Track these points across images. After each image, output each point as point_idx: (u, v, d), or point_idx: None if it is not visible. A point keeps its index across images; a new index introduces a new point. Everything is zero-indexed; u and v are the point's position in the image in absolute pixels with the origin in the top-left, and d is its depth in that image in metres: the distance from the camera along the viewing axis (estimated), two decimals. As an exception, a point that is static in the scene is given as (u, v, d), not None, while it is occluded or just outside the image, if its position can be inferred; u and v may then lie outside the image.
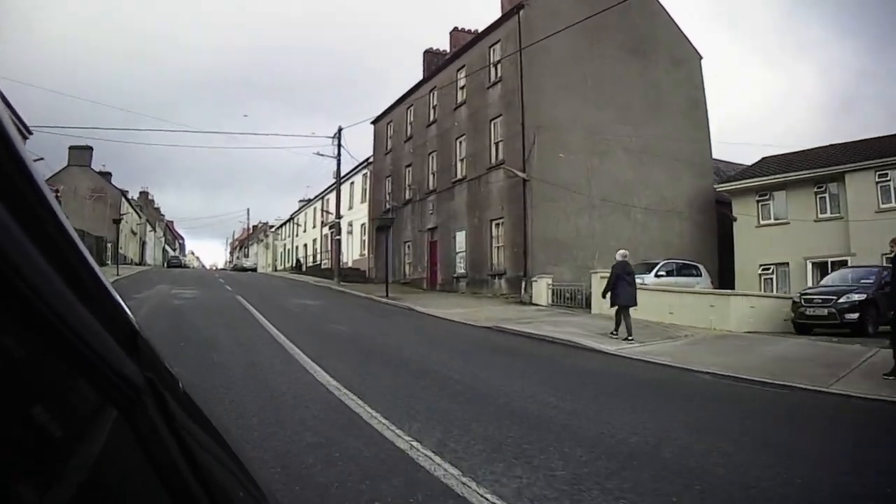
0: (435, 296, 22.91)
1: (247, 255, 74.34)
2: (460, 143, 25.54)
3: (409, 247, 28.95)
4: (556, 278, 20.93)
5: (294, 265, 51.40)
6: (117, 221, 32.47)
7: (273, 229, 66.58)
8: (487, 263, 23.21)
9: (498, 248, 23.10)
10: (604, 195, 22.93)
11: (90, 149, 47.70)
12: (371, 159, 34.05)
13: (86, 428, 0.48)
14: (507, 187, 22.44)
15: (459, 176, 25.22)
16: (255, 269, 59.77)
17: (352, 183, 37.59)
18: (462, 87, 25.84)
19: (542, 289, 20.72)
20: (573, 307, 20.14)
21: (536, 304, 20.36)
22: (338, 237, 29.05)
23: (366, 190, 35.27)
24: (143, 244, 63.33)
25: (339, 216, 29.43)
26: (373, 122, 34.16)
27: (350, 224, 37.01)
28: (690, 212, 25.20)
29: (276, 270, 61.43)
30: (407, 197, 29.30)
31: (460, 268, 24.63)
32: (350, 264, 35.08)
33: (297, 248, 53.47)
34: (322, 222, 44.17)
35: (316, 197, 46.75)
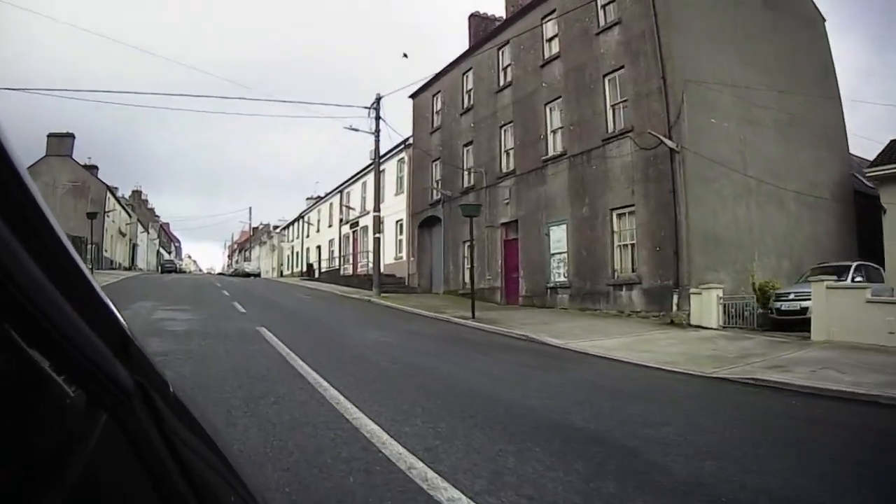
0: (531, 315, 15.47)
1: (248, 259, 66.32)
2: (552, 109, 18.18)
3: (470, 247, 21.50)
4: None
5: (305, 270, 43.69)
6: (92, 216, 24.57)
7: (278, 230, 58.61)
8: (607, 269, 15.84)
9: (622, 247, 15.76)
10: (758, 176, 15.88)
11: (72, 136, 39.68)
12: (410, 140, 26.59)
13: (76, 431, 0.47)
14: (641, 163, 15.13)
15: (555, 152, 17.84)
16: (258, 275, 51.86)
17: (382, 171, 30.01)
18: (552, 38, 18.53)
19: (709, 305, 13.48)
20: (745, 328, 13.33)
21: (702, 326, 13.20)
22: (378, 235, 21.54)
23: (401, 178, 27.77)
24: (133, 247, 55.12)
25: (378, 207, 21.89)
26: (412, 96, 26.67)
27: (381, 220, 29.43)
28: (833, 201, 18.28)
29: (281, 276, 53.62)
30: (467, 184, 21.87)
31: (559, 275, 17.23)
32: (382, 269, 27.52)
33: (307, 250, 45.71)
34: (341, 220, 36.54)
35: (333, 191, 39.05)
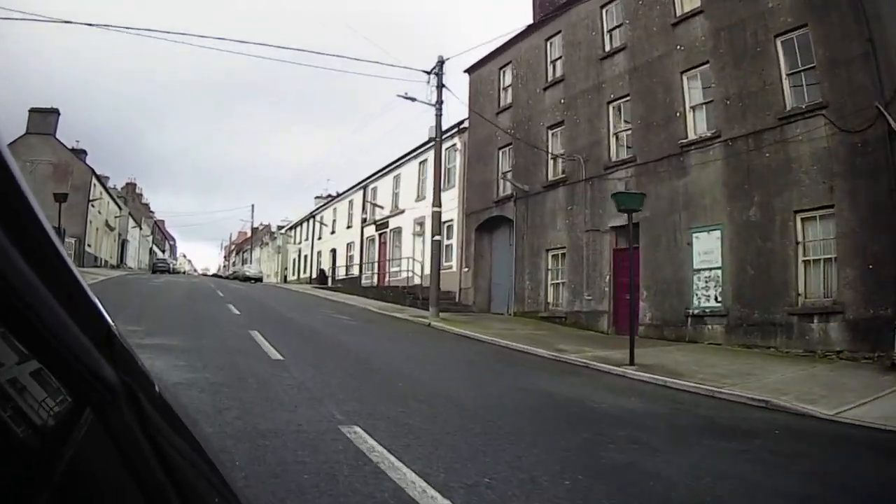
0: (690, 355, 11.04)
1: (246, 262, 61.65)
2: (692, 78, 13.92)
3: (557, 259, 17.17)
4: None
5: (316, 276, 39.22)
6: (61, 198, 19.68)
7: (283, 230, 54.00)
8: (786, 292, 11.48)
9: (812, 262, 11.46)
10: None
11: (56, 112, 35.12)
12: (465, 124, 22.29)
13: (60, 428, 0.47)
14: (844, 150, 10.85)
15: (699, 134, 13.55)
16: (260, 279, 47.32)
17: (423, 162, 25.71)
18: (686, -11, 14.33)
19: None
20: None
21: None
22: (437, 237, 17.11)
23: (450, 170, 23.44)
24: (122, 243, 50.40)
25: (438, 202, 17.47)
26: (469, 70, 22.38)
27: (420, 223, 25.11)
28: None
29: (285, 281, 49.10)
30: (553, 175, 17.58)
31: (707, 298, 12.86)
32: (421, 281, 23.21)
33: (318, 254, 41.17)
34: (364, 220, 32.14)
35: (354, 186, 34.55)
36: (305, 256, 44.57)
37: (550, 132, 17.81)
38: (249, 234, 65.89)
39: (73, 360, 0.46)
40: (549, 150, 17.64)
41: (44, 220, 0.42)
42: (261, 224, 66.12)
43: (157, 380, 0.59)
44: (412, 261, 23.39)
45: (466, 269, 20.75)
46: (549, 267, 17.25)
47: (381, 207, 29.27)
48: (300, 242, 46.84)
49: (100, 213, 40.93)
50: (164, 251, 74.31)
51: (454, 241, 22.09)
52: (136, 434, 0.52)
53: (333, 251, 37.77)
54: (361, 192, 32.99)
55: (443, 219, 22.90)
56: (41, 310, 0.41)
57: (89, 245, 37.81)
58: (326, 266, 38.52)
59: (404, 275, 24.26)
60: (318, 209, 43.07)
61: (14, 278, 0.39)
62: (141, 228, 59.70)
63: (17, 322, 0.40)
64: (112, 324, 0.53)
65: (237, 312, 14.15)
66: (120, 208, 48.43)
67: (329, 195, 45.86)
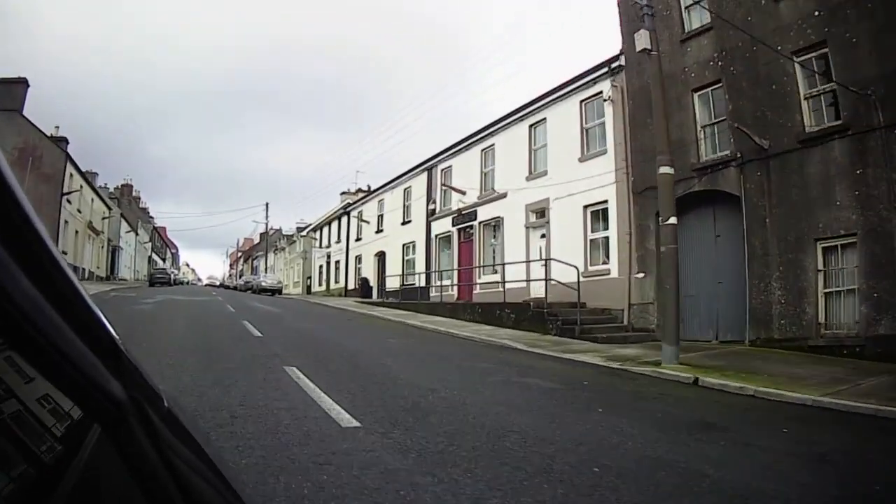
0: None
1: (256, 269, 56.46)
2: None
3: (836, 253, 11.55)
4: None
5: (356, 288, 33.89)
6: None
7: (304, 233, 48.61)
8: None
9: None
10: None
11: (23, 83, 29.94)
12: (621, 60, 16.81)
13: (69, 445, 0.51)
14: None
15: None
16: (279, 291, 42.11)
17: (534, 125, 20.26)
18: None
19: None
20: None
21: None
22: (672, 219, 11.10)
23: (592, 131, 17.92)
24: (113, 250, 45.25)
25: (668, 157, 11.55)
26: (619, -11, 16.92)
27: (537, 210, 19.67)
28: None
29: (309, 292, 43.87)
30: (817, 122, 12.02)
31: None
32: (532, 293, 17.79)
33: (357, 258, 35.74)
34: (432, 211, 26.69)
35: (415, 169, 28.90)
36: (337, 262, 39.19)
37: (798, 60, 12.29)
38: (257, 241, 60.78)
39: (79, 376, 0.46)
40: (799, 86, 12.14)
41: (42, 230, 0.43)
42: (271, 229, 61.11)
43: (166, 394, 0.60)
44: (537, 265, 17.94)
45: (642, 275, 15.25)
46: (821, 267, 11.74)
47: (463, 193, 23.85)
48: (328, 246, 41.50)
49: (79, 211, 35.68)
50: (164, 260, 69.38)
51: (611, 234, 16.58)
52: (146, 449, 0.53)
53: (380, 255, 32.37)
54: (425, 175, 27.55)
55: (584, 202, 17.55)
56: (44, 325, 0.42)
57: (65, 252, 32.58)
58: (371, 274, 33.18)
59: (516, 286, 18.77)
60: (353, 204, 37.68)
61: (15, 293, 0.39)
62: (137, 234, 54.66)
63: (21, 338, 0.41)
64: (117, 337, 0.53)
65: (348, 417, 5.38)
66: (109, 208, 43.27)
67: (360, 189, 40.70)
